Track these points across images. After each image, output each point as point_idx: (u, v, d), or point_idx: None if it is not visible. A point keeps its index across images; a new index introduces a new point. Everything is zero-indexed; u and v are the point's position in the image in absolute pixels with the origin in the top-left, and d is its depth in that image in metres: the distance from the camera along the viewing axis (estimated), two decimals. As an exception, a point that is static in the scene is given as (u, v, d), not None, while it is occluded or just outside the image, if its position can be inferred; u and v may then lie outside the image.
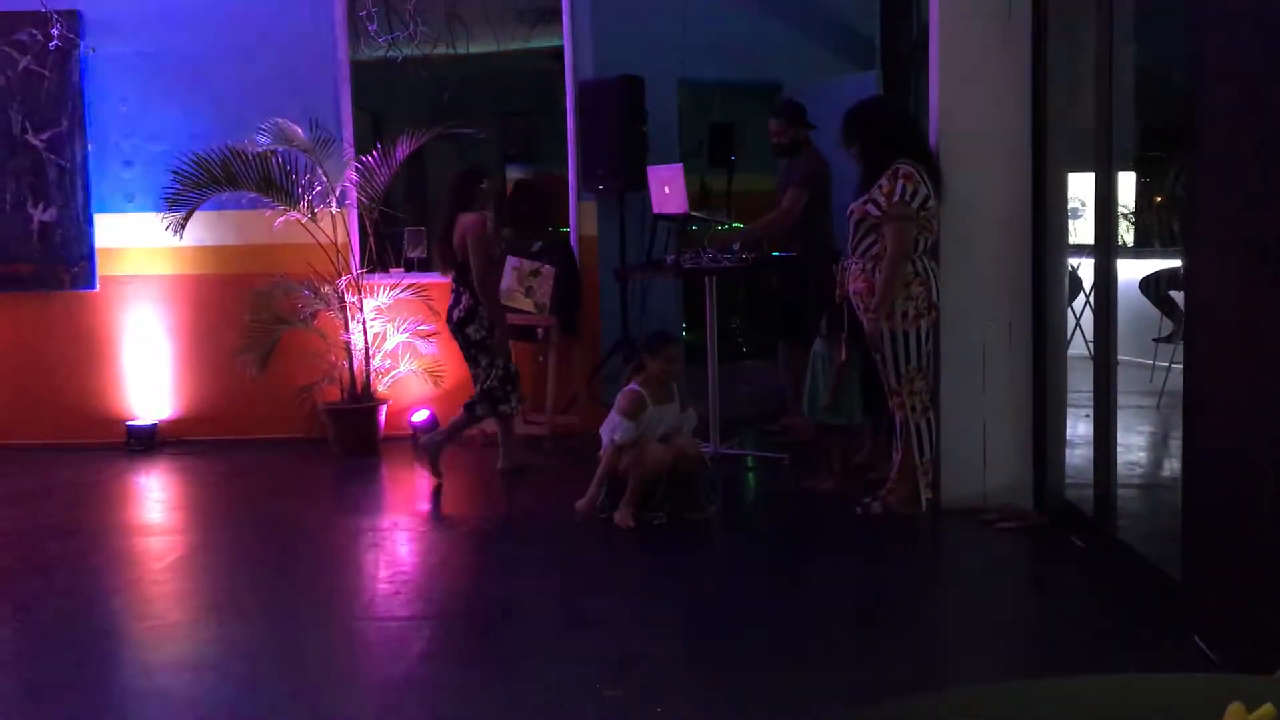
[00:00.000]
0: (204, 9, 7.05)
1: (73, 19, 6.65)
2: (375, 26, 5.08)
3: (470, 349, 6.03)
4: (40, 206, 7.20)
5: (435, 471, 5.98)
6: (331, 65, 7.15)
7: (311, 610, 4.35)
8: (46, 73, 7.09)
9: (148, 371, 7.31)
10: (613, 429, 5.19)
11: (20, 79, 7.12)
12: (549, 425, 6.78)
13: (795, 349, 6.92)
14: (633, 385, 5.24)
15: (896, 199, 4.93)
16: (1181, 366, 3.79)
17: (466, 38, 7.58)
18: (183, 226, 6.82)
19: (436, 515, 5.74)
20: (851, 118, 5.24)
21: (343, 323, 6.96)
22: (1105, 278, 4.70)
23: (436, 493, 5.95)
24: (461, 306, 5.99)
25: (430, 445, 6.04)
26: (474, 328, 5.97)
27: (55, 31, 5.92)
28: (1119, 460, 4.75)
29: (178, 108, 7.11)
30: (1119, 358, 4.76)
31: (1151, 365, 7.15)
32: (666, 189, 6.44)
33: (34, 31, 6.88)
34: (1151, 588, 4.06)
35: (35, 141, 7.15)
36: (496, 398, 6.01)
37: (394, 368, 7.14)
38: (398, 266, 7.34)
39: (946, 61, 5.15)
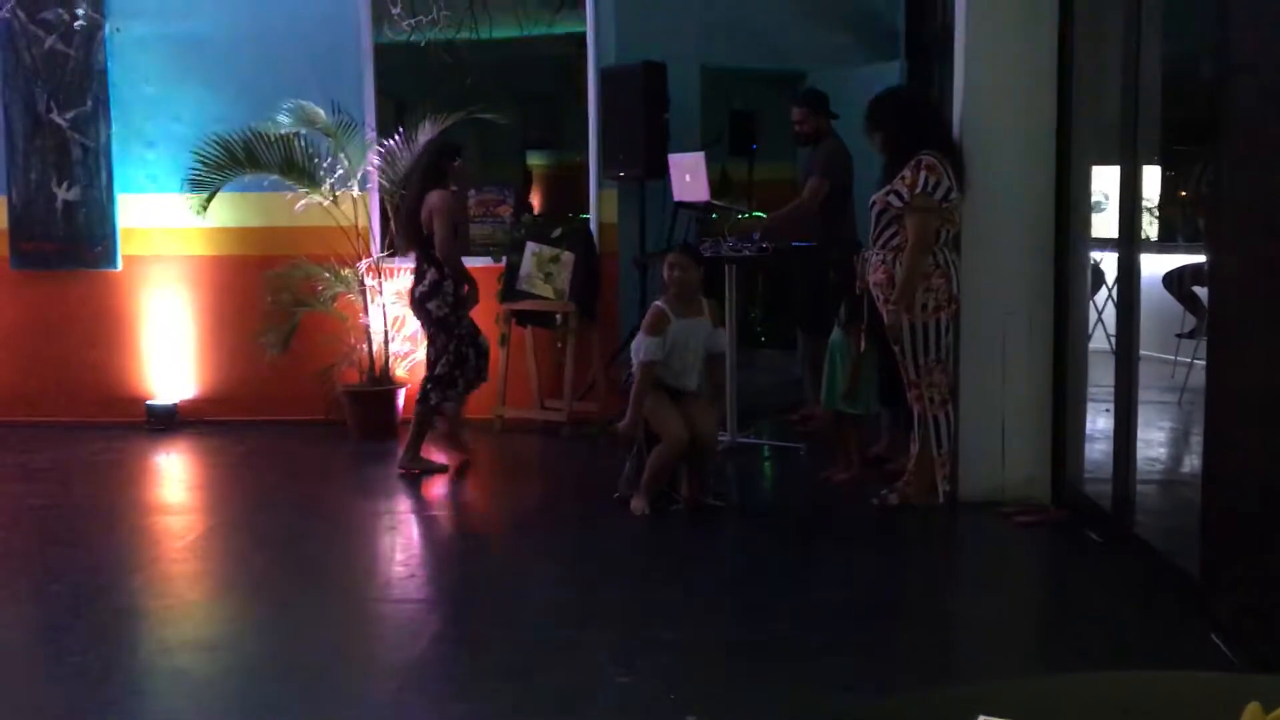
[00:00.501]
0: (228, -9, 7.07)
1: (98, -1, 6.68)
2: (399, 10, 5.06)
3: (431, 326, 5.89)
4: (65, 186, 7.24)
5: (458, 448, 5.97)
6: (355, 49, 7.15)
7: (327, 591, 4.38)
8: (72, 52, 7.12)
9: (168, 351, 7.35)
10: (637, 349, 5.12)
11: (46, 58, 7.15)
12: (567, 411, 6.78)
13: (814, 339, 6.90)
14: (657, 302, 5.20)
15: (919, 190, 4.91)
16: (1204, 363, 3.76)
17: (489, 22, 7.57)
18: (205, 208, 6.86)
19: (453, 499, 5.76)
20: (875, 107, 5.21)
21: (362, 306, 6.98)
22: (1128, 272, 4.67)
23: (459, 472, 5.94)
24: (426, 282, 5.82)
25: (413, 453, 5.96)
26: (436, 303, 5.81)
27: (81, 11, 5.93)
28: (1139, 456, 4.72)
29: (201, 89, 7.13)
30: (1140, 353, 4.73)
31: (1173, 361, 7.09)
32: (688, 177, 6.42)
33: (60, 10, 6.91)
34: (1169, 584, 4.05)
35: (60, 120, 7.19)
36: (444, 383, 5.89)
37: (413, 351, 7.15)
38: (418, 250, 7.34)
39: (972, 52, 5.11)
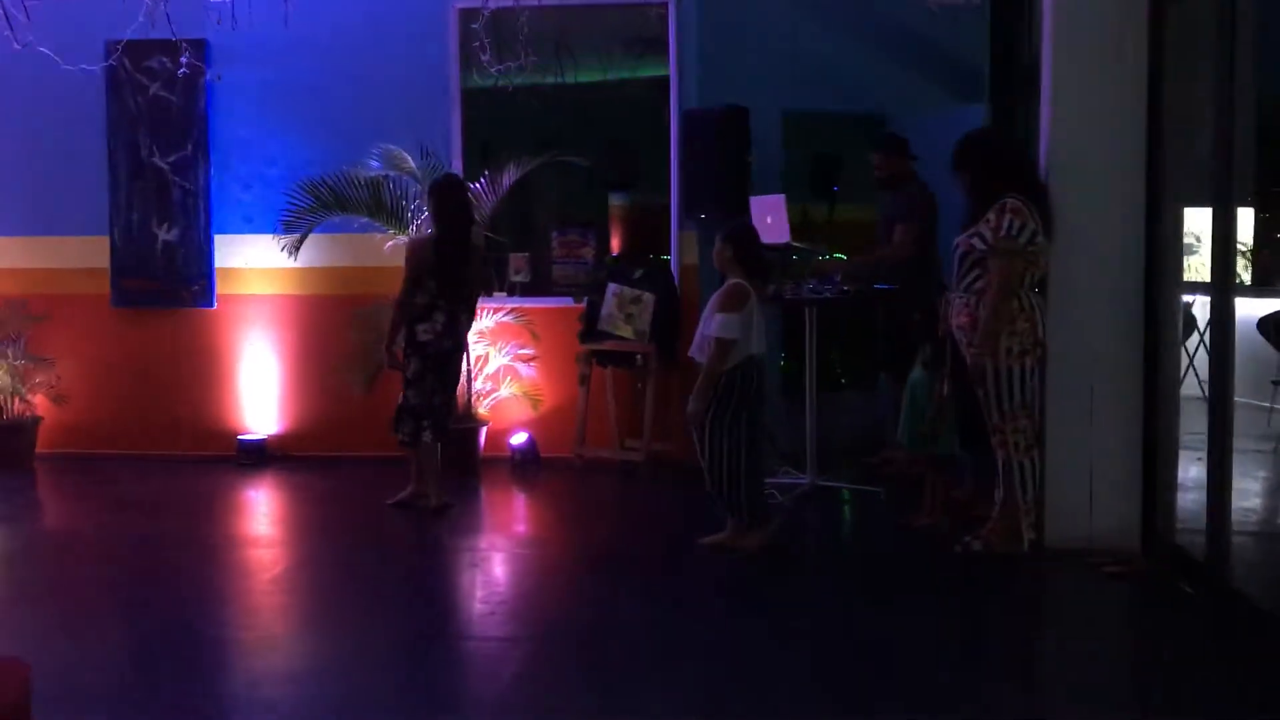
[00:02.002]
0: (325, 39, 7.29)
1: (200, 48, 6.93)
2: (488, 57, 5.18)
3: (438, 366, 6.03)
4: (165, 227, 7.50)
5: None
6: (444, 94, 7.32)
7: (409, 627, 4.42)
8: (174, 99, 7.40)
9: (259, 388, 7.54)
10: (710, 335, 4.96)
11: (149, 104, 7.44)
12: (645, 451, 6.80)
13: (897, 382, 6.83)
14: (734, 279, 5.09)
15: (1003, 233, 4.86)
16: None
17: (574, 67, 7.70)
18: (297, 249, 7.05)
19: (533, 537, 5.79)
20: (961, 149, 5.18)
21: (446, 345, 7.08)
22: (1222, 316, 4.56)
23: (529, 514, 5.99)
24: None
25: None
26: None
27: (184, 59, 6.17)
28: (1233, 506, 4.58)
29: (295, 134, 7.35)
30: (1235, 399, 4.61)
31: (1269, 408, 6.89)
32: (769, 218, 6.44)
33: (164, 59, 7.18)
34: (1267, 640, 3.91)
35: (161, 164, 7.46)
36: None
37: (495, 390, 7.25)
38: (501, 290, 7.46)
39: (1058, 92, 5.07)
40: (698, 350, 5.12)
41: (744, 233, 5.31)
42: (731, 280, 5.09)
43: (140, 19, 5.15)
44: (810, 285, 6.28)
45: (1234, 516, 4.62)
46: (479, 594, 4.94)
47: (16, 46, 5.17)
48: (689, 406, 5.07)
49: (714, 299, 5.09)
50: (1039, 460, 5.02)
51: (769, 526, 5.19)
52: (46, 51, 5.50)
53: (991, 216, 4.91)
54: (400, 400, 6.03)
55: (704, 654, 4.08)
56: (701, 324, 5.12)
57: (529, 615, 4.66)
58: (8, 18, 5.05)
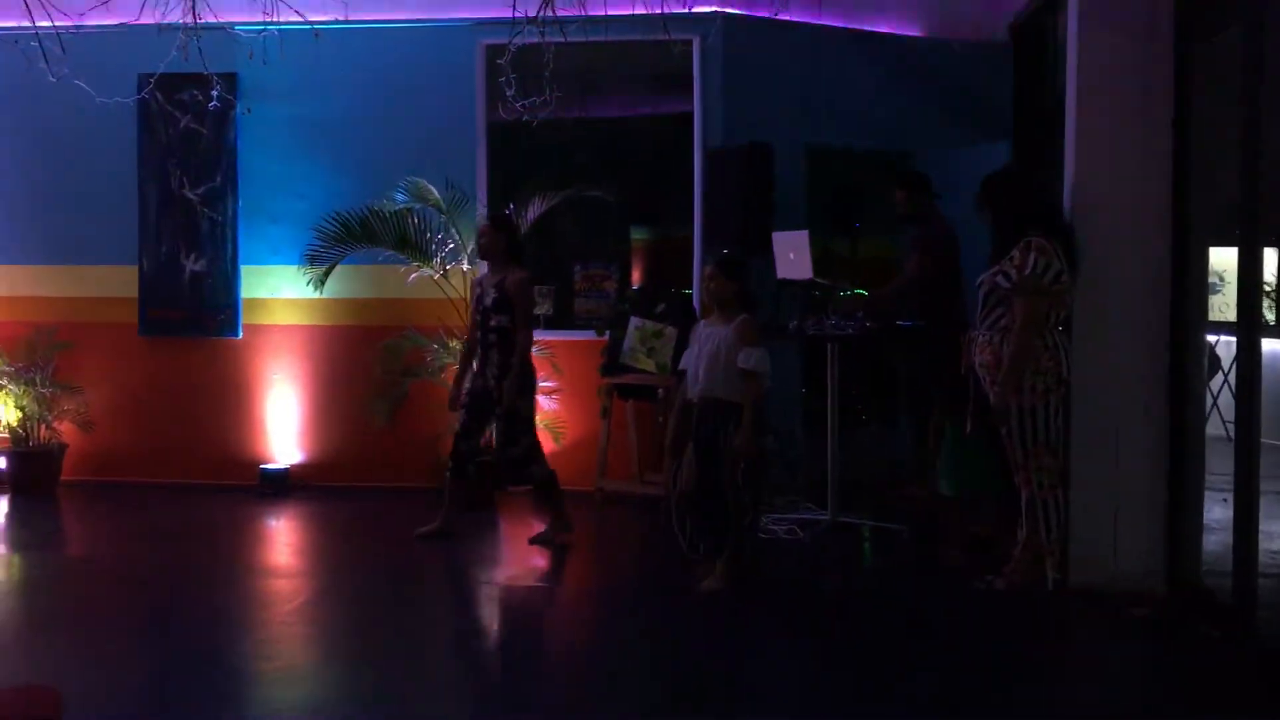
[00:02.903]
0: (353, 73, 7.39)
1: (231, 81, 7.03)
2: (513, 92, 5.24)
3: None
4: (192, 257, 7.59)
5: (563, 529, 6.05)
6: (470, 128, 7.40)
7: (426, 660, 4.42)
8: (204, 131, 7.51)
9: (283, 417, 7.59)
10: (751, 368, 5.03)
11: (180, 137, 7.55)
12: (666, 486, 6.78)
13: (919, 419, 6.82)
14: (744, 314, 5.17)
15: (1027, 271, 4.86)
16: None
17: (599, 102, 7.77)
18: (323, 281, 7.11)
19: (552, 572, 5.79)
20: (986, 187, 5.20)
21: (469, 376, 7.12)
22: (1249, 356, 4.54)
23: (561, 549, 5.99)
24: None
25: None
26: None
27: (214, 93, 6.27)
28: (1260, 548, 4.54)
29: (322, 166, 7.44)
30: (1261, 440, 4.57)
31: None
32: (791, 254, 6.46)
33: (195, 92, 7.29)
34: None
35: (191, 196, 7.56)
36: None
37: (516, 423, 7.25)
38: (524, 323, 7.48)
39: (1083, 130, 5.08)
40: (726, 387, 5.10)
41: (743, 267, 5.40)
42: (745, 315, 5.15)
43: (173, 52, 5.23)
44: (833, 321, 6.28)
45: (1260, 559, 4.58)
46: (496, 628, 4.94)
47: (51, 79, 5.26)
48: (742, 442, 5.01)
49: (735, 334, 5.09)
50: (1063, 499, 4.99)
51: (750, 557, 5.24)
52: (81, 84, 5.59)
53: (1016, 254, 4.91)
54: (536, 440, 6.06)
55: (720, 692, 4.05)
56: (716, 361, 5.11)
57: (546, 652, 4.65)
58: (44, 51, 5.15)
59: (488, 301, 5.95)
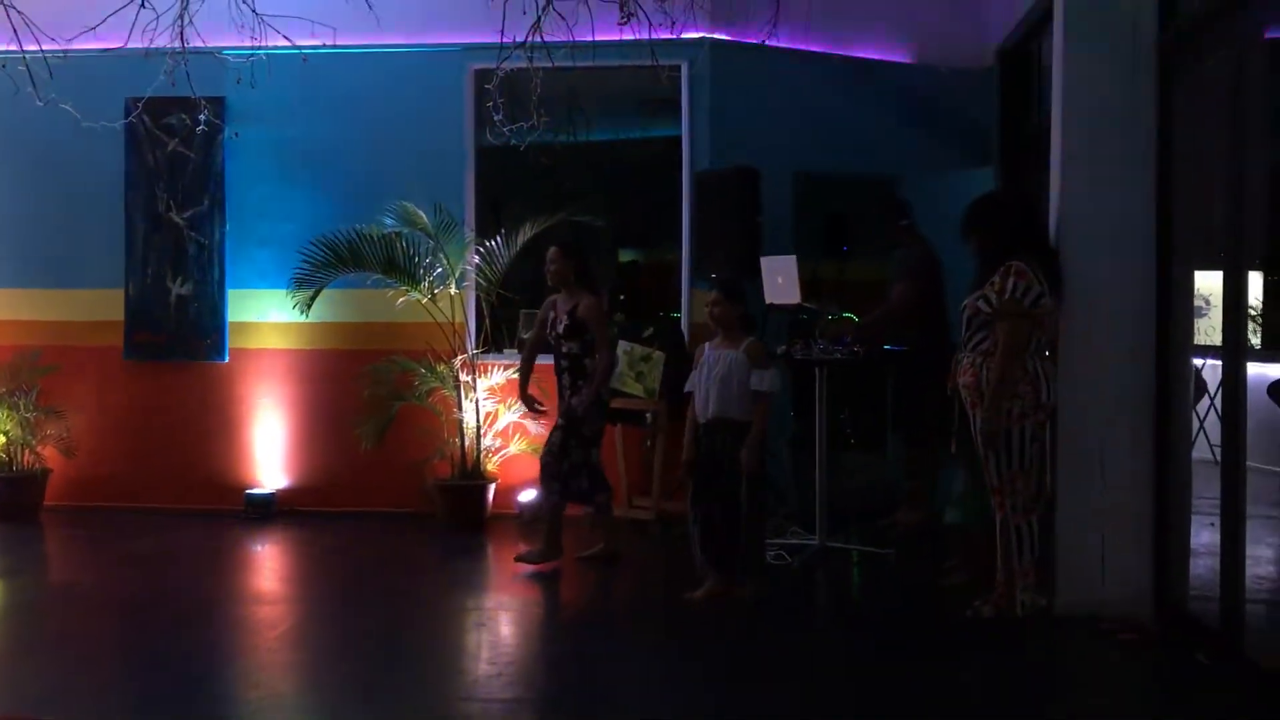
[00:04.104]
0: (341, 98, 7.40)
1: (219, 105, 7.02)
2: (501, 116, 5.25)
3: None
4: (179, 281, 7.57)
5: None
6: (458, 153, 7.41)
7: (414, 688, 4.38)
8: (192, 155, 7.50)
9: (269, 441, 7.55)
10: (762, 389, 5.19)
11: (167, 160, 7.54)
12: (655, 510, 6.77)
13: (908, 443, 6.82)
14: (752, 338, 5.33)
15: (1008, 296, 4.87)
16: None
17: (587, 127, 7.79)
18: (310, 305, 7.09)
19: (540, 596, 5.75)
20: (970, 211, 5.22)
21: (456, 401, 7.11)
22: (1234, 380, 4.55)
23: (537, 572, 5.95)
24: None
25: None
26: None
27: (202, 117, 6.26)
28: (1246, 572, 4.53)
29: (310, 190, 7.43)
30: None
31: (1282, 473, 6.84)
32: (779, 279, 6.47)
33: (183, 116, 7.28)
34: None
35: (178, 219, 7.54)
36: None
37: (504, 447, 7.25)
38: (511, 347, 7.49)
39: (1068, 155, 5.11)
40: (738, 407, 5.21)
41: (743, 291, 5.49)
42: (753, 338, 5.35)
43: (161, 76, 5.23)
44: (821, 345, 6.29)
45: (1247, 583, 4.57)
46: (484, 654, 4.90)
47: (39, 103, 5.26)
48: (748, 460, 5.19)
49: (746, 356, 5.25)
50: (1036, 523, 4.98)
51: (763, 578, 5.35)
52: (69, 108, 5.58)
53: (997, 279, 4.93)
54: (596, 459, 6.04)
55: (712, 716, 4.03)
56: (728, 384, 5.22)
57: (534, 677, 4.61)
58: (31, 75, 5.15)
59: (559, 329, 5.97)
